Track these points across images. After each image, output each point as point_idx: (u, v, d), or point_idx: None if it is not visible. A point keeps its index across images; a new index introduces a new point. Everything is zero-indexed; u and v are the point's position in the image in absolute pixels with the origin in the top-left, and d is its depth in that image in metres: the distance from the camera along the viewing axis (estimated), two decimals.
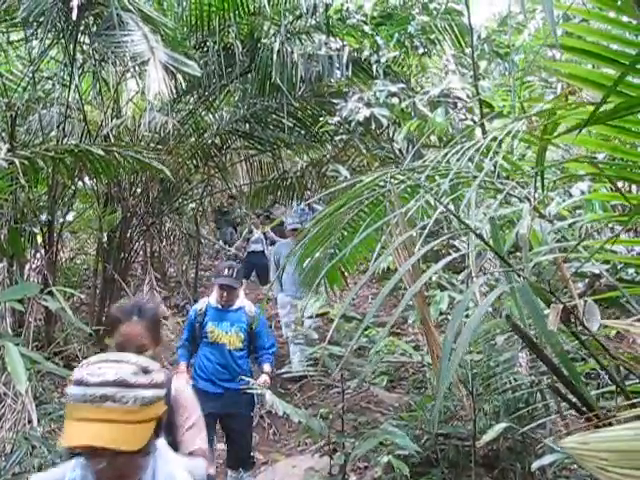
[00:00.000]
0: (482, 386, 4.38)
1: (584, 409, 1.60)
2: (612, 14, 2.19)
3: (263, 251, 13.91)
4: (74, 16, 6.33)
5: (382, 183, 2.91)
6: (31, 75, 8.15)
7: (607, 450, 1.15)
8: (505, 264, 1.87)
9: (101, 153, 6.38)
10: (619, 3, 2.10)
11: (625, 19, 2.18)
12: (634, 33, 2.26)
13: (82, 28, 7.66)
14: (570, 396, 1.72)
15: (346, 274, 6.31)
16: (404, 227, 2.22)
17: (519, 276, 1.77)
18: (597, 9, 2.24)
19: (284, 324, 9.12)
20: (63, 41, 7.79)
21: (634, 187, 4.38)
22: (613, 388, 2.40)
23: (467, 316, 2.33)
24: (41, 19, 7.16)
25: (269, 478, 5.66)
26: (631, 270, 3.69)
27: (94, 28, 7.46)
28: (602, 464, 1.15)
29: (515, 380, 4.40)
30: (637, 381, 2.16)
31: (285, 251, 8.63)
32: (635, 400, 1.70)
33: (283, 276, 8.29)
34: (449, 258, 2.07)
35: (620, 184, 2.69)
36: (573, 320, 1.79)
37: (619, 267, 3.65)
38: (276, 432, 6.81)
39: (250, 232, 14.23)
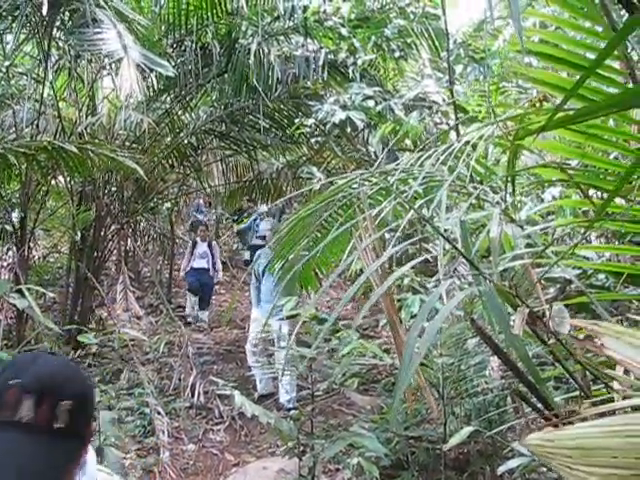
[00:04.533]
0: (453, 389, 4.40)
1: (546, 412, 1.61)
2: (582, 22, 2.22)
3: (209, 269, 11.94)
4: (44, 11, 6.26)
5: (355, 185, 2.91)
6: (5, 70, 8.07)
7: (572, 447, 1.15)
8: (473, 267, 1.87)
9: (75, 150, 6.33)
10: (584, 10, 2.12)
11: (594, 26, 2.21)
12: (600, 40, 2.28)
13: (57, 24, 7.61)
14: (534, 400, 1.73)
15: (320, 276, 6.32)
16: (373, 229, 2.22)
17: (488, 280, 1.78)
18: (572, 18, 2.26)
19: (250, 345, 7.93)
20: (38, 36, 7.73)
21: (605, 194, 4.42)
22: (576, 393, 2.42)
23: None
24: (16, 13, 7.10)
25: (240, 479, 5.63)
26: (602, 276, 3.72)
27: (70, 24, 7.41)
28: (567, 461, 1.15)
29: (486, 383, 4.43)
30: (603, 386, 2.17)
31: (264, 260, 7.64)
32: (596, 400, 1.72)
33: (262, 288, 7.82)
34: (416, 260, 2.07)
35: (591, 191, 2.72)
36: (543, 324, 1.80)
37: (589, 273, 3.68)
38: (247, 433, 6.79)
39: (194, 245, 12.08)
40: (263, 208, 13.67)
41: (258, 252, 8.30)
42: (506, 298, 1.75)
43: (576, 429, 1.19)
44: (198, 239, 12.15)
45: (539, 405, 1.70)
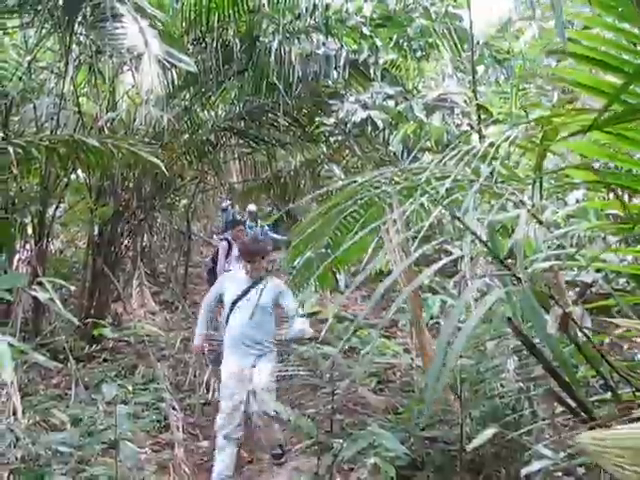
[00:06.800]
0: (470, 391, 4.38)
1: (582, 414, 1.60)
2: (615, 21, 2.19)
3: None
4: (61, 1, 6.28)
5: (377, 184, 2.91)
6: (26, 65, 8.12)
7: (624, 447, 1.14)
8: (504, 267, 1.86)
9: (95, 144, 6.35)
10: (621, 10, 2.10)
11: (627, 26, 2.18)
12: (636, 41, 2.26)
13: (79, 19, 7.64)
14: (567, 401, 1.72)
15: (337, 275, 6.30)
16: (402, 228, 2.21)
17: (518, 280, 1.76)
18: (600, 16, 2.24)
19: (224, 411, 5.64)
20: (59, 31, 7.77)
21: (627, 196, 4.39)
22: (605, 396, 2.40)
23: (459, 321, 2.32)
24: (38, 7, 7.14)
25: (254, 477, 5.64)
26: (622, 280, 3.70)
27: (91, 19, 7.44)
28: (619, 462, 1.14)
29: (503, 386, 4.40)
30: (628, 390, 2.16)
31: (234, 287, 5.91)
32: (630, 404, 1.70)
33: (228, 334, 5.86)
34: (445, 260, 2.06)
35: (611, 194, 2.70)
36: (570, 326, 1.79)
37: (611, 277, 3.66)
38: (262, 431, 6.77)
39: (229, 246, 9.86)
40: (251, 207, 13.38)
41: (221, 277, 6.57)
42: (537, 298, 1.73)
43: (628, 429, 1.17)
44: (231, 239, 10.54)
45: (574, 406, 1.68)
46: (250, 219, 13.19)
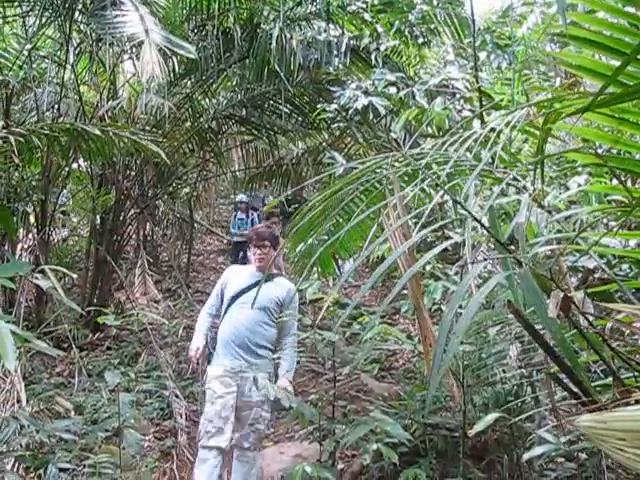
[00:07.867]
0: (472, 377, 4.38)
1: (583, 398, 1.59)
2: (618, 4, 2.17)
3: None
4: None
5: (379, 170, 2.90)
6: (27, 53, 8.10)
7: (625, 430, 1.13)
8: (505, 251, 1.85)
9: (97, 133, 6.33)
10: None
11: (631, 10, 2.16)
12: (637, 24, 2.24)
13: (79, 7, 7.62)
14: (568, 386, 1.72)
15: (340, 262, 6.29)
16: (402, 211, 2.20)
17: (519, 264, 1.76)
18: None
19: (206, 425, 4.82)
20: (59, 20, 7.74)
21: (629, 182, 4.38)
22: (606, 381, 2.39)
23: (461, 307, 2.31)
24: None
25: (257, 464, 5.65)
26: (625, 266, 3.69)
27: (91, 7, 7.42)
28: (619, 444, 1.13)
29: (505, 372, 4.41)
30: (630, 375, 2.16)
31: (237, 280, 5.14)
32: (631, 388, 1.70)
33: (220, 332, 5.05)
34: (446, 244, 2.05)
35: (614, 180, 2.69)
36: (571, 311, 1.79)
37: (613, 263, 3.65)
38: None
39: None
40: (242, 197, 13.36)
41: (227, 270, 5.49)
42: (539, 282, 1.73)
43: (629, 412, 1.16)
44: None
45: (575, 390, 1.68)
46: (241, 210, 13.18)
